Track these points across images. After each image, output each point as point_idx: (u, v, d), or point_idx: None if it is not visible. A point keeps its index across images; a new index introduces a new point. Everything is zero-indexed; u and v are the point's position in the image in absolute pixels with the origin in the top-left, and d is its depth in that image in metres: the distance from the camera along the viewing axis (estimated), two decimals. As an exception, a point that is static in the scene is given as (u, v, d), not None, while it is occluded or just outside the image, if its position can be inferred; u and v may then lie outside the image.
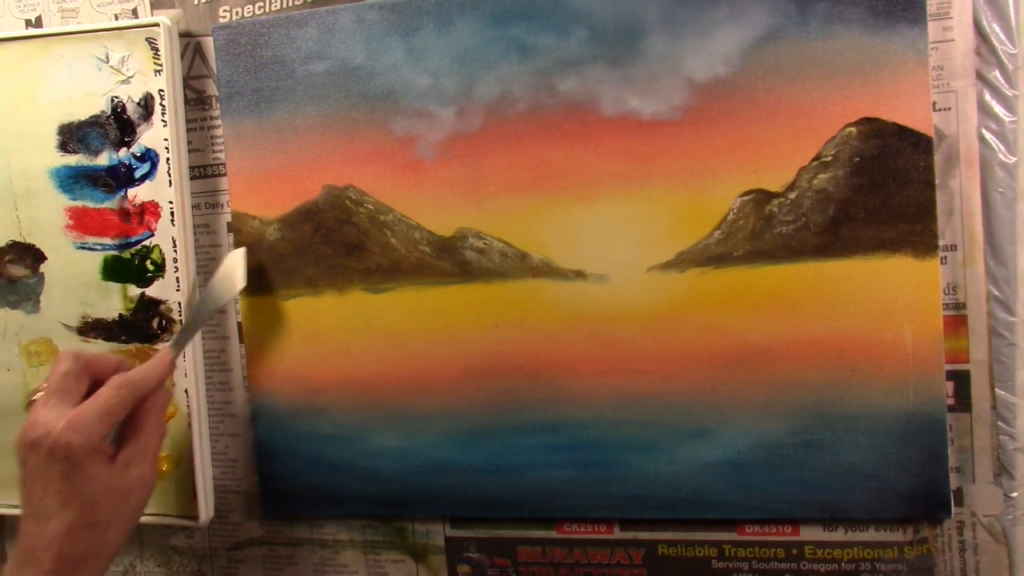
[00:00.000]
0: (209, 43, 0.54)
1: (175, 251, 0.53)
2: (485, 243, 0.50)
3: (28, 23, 0.57)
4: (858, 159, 0.45)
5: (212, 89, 0.54)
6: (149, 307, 0.54)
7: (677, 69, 0.46)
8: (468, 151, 0.49)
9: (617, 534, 0.52)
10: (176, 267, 0.53)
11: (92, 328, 0.55)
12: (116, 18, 0.55)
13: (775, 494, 0.48)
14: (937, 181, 0.45)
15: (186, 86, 0.55)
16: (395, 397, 0.52)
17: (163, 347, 0.50)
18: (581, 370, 0.49)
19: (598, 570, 0.52)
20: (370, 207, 0.51)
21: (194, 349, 0.54)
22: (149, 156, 0.53)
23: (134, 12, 0.55)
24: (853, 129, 0.45)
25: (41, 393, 0.44)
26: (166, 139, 0.52)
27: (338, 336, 0.52)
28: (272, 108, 0.52)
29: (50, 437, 0.41)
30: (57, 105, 0.54)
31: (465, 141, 0.50)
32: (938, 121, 0.45)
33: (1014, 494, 0.46)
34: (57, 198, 0.54)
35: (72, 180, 0.54)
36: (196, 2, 0.54)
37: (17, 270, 0.56)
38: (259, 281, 0.54)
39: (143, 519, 0.55)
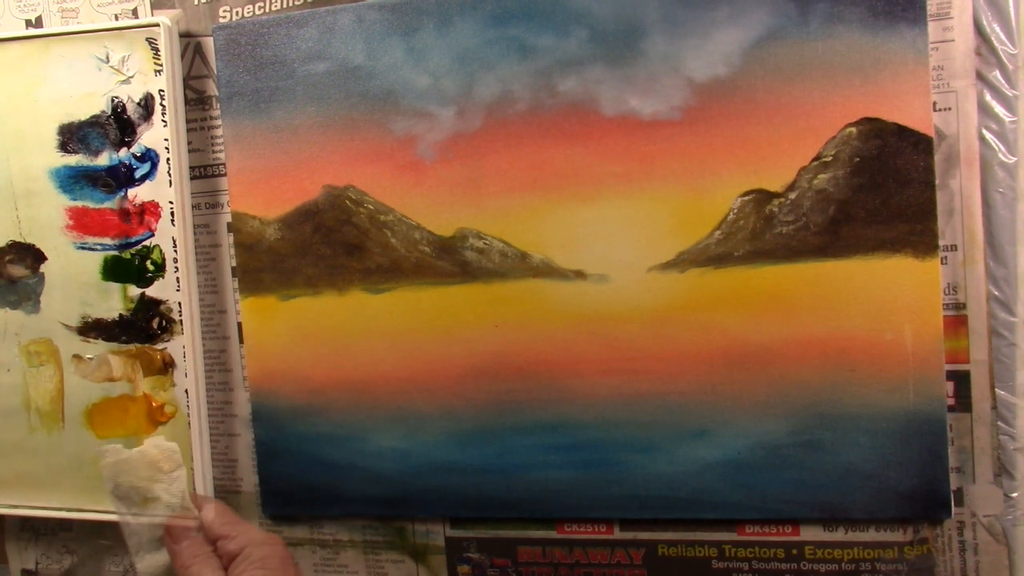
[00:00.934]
0: (209, 43, 0.54)
1: (175, 251, 0.53)
2: (485, 243, 0.50)
3: (28, 23, 0.57)
4: (858, 159, 0.45)
5: (212, 89, 0.54)
6: (149, 307, 0.54)
7: (677, 69, 0.46)
8: (468, 151, 0.49)
9: (617, 534, 0.52)
10: (176, 267, 0.53)
11: (92, 328, 0.55)
12: (116, 18, 0.55)
13: (775, 494, 0.48)
14: (937, 181, 0.45)
15: (186, 86, 0.55)
16: (395, 397, 0.52)
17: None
18: (581, 370, 0.49)
19: (598, 570, 0.52)
20: (370, 207, 0.51)
21: (194, 349, 0.54)
22: (149, 156, 0.53)
23: (134, 12, 0.55)
24: (853, 129, 0.45)
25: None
26: (166, 139, 0.52)
27: (338, 336, 0.52)
28: (272, 108, 0.52)
29: None
30: (57, 105, 0.54)
31: (465, 141, 0.50)
32: (938, 121, 0.45)
33: (1014, 494, 0.46)
34: (57, 198, 0.54)
35: (72, 180, 0.54)
36: (196, 2, 0.54)
37: (17, 270, 0.56)
38: (259, 281, 0.54)
39: (143, 519, 0.55)
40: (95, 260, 0.54)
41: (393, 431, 0.52)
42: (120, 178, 0.54)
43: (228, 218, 0.55)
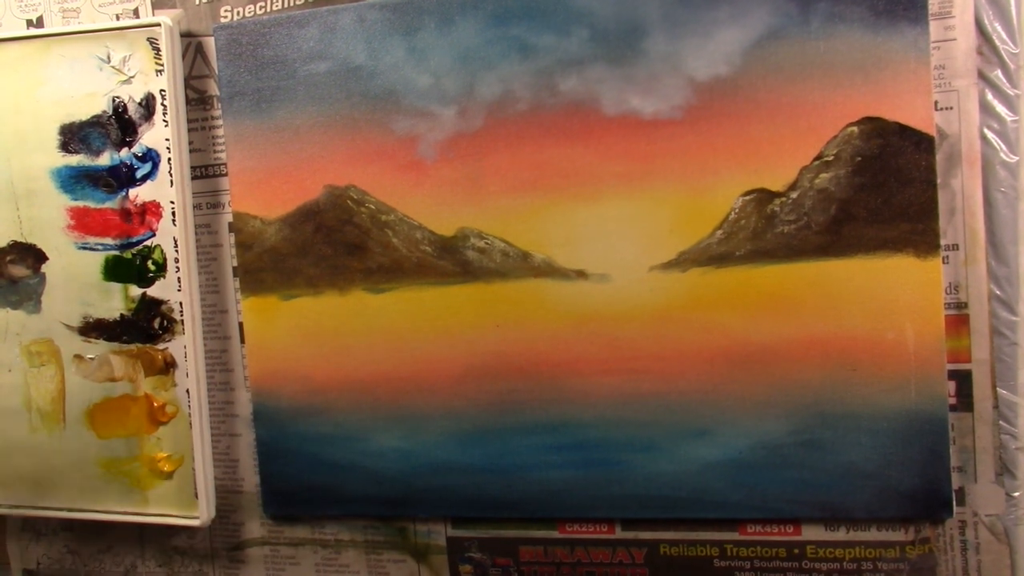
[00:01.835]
0: (210, 43, 0.54)
1: (176, 251, 0.53)
2: (486, 243, 0.50)
3: (29, 23, 0.57)
4: (860, 158, 0.45)
5: (213, 89, 0.54)
6: (150, 307, 0.54)
7: (678, 68, 0.46)
8: (469, 151, 0.49)
9: (619, 534, 0.52)
10: (177, 267, 0.53)
11: (93, 328, 0.55)
12: (117, 18, 0.55)
13: (777, 494, 0.48)
14: (939, 180, 0.45)
15: (187, 86, 0.55)
16: (396, 397, 0.52)
17: None
18: (582, 370, 0.49)
19: (600, 569, 0.52)
20: (371, 207, 0.51)
21: (196, 349, 0.54)
22: (150, 156, 0.53)
23: (135, 12, 0.55)
24: (855, 128, 0.45)
25: None
26: (167, 139, 0.52)
27: (339, 336, 0.52)
28: (273, 108, 0.52)
29: None
30: (58, 105, 0.54)
31: (466, 141, 0.49)
32: (940, 120, 0.45)
33: (1016, 494, 0.46)
34: (58, 198, 0.54)
35: (73, 180, 0.54)
36: (197, 2, 0.54)
37: (18, 270, 0.56)
38: (260, 281, 0.54)
39: (145, 519, 0.55)
40: (96, 260, 0.54)
41: (394, 431, 0.52)
42: (121, 178, 0.54)
43: (229, 218, 0.55)
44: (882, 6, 0.44)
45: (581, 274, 0.49)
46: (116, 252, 0.54)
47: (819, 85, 0.45)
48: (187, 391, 0.54)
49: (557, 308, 0.49)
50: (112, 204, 0.54)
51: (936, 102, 0.45)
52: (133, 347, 0.55)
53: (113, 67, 0.53)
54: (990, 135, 0.45)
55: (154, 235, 0.53)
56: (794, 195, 0.46)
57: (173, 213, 0.53)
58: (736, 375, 0.47)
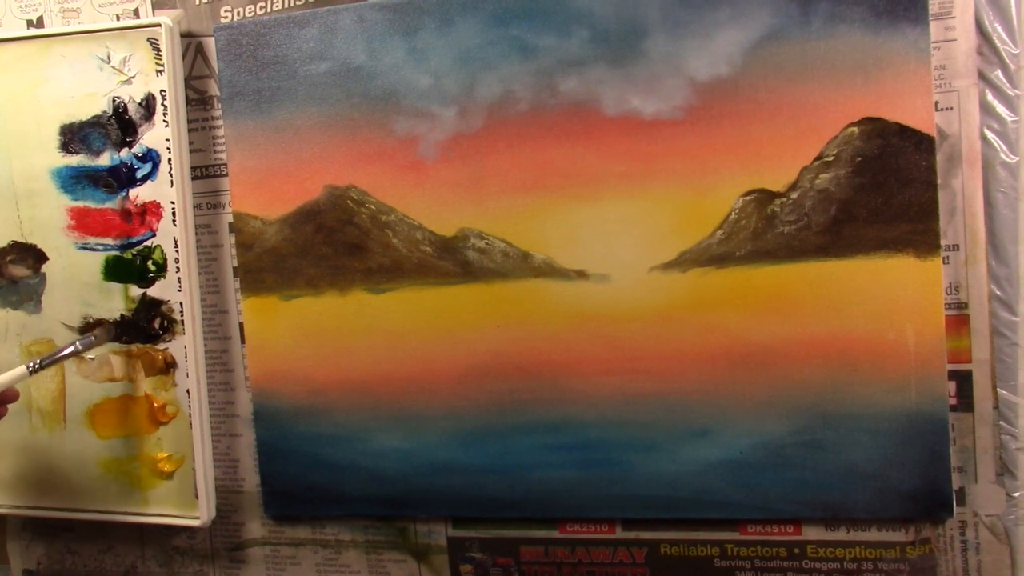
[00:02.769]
0: (211, 43, 0.54)
1: (177, 251, 0.53)
2: (487, 243, 0.50)
3: (29, 23, 0.57)
4: (860, 159, 0.45)
5: (214, 89, 0.54)
6: (151, 307, 0.54)
7: (679, 69, 0.46)
8: (470, 151, 0.49)
9: (619, 534, 0.52)
10: (178, 267, 0.53)
11: (94, 328, 0.55)
12: (117, 18, 0.55)
13: (777, 494, 0.48)
14: (939, 181, 0.45)
15: (188, 86, 0.55)
16: (397, 397, 0.52)
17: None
18: (583, 370, 0.49)
19: (601, 569, 0.52)
20: (372, 207, 0.51)
21: (196, 349, 0.54)
22: (151, 156, 0.53)
23: (135, 12, 0.55)
24: (855, 129, 0.45)
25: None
26: (168, 139, 0.52)
27: (340, 336, 0.52)
28: (273, 108, 0.52)
29: None
30: (59, 105, 0.54)
31: (467, 141, 0.49)
32: (940, 121, 0.45)
33: (1016, 494, 0.46)
34: (59, 198, 0.54)
35: (74, 180, 0.54)
36: (198, 2, 0.54)
37: (19, 270, 0.56)
38: (261, 281, 0.54)
39: (145, 519, 0.55)
40: (96, 260, 0.54)
41: (395, 431, 0.52)
42: (121, 178, 0.54)
43: (229, 218, 0.55)
44: (883, 7, 0.44)
45: (581, 274, 0.49)
46: (116, 252, 0.54)
47: (820, 85, 0.45)
48: (187, 391, 0.54)
49: (558, 308, 0.49)
50: (112, 204, 0.54)
51: (936, 102, 0.45)
52: (133, 347, 0.55)
53: (113, 67, 0.53)
54: (990, 135, 0.45)
55: (154, 235, 0.53)
56: (794, 195, 0.46)
57: (173, 213, 0.53)
58: (737, 375, 0.47)
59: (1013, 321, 0.45)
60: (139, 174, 0.53)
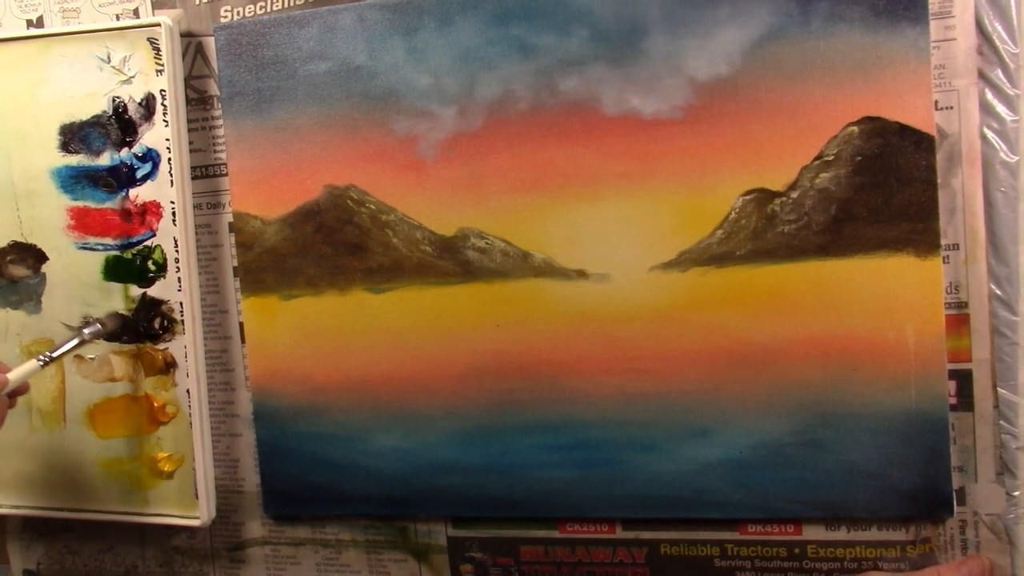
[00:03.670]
0: (210, 43, 0.54)
1: (177, 251, 0.53)
2: (487, 243, 0.50)
3: (29, 23, 0.57)
4: (860, 158, 0.45)
5: (213, 89, 0.54)
6: (151, 307, 0.54)
7: (679, 68, 0.46)
8: (470, 151, 0.49)
9: (619, 533, 0.52)
10: (178, 267, 0.53)
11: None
12: (117, 18, 0.55)
13: (777, 493, 0.48)
14: (939, 180, 0.45)
15: (187, 86, 0.55)
16: (397, 397, 0.52)
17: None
18: (583, 369, 0.49)
19: (600, 569, 0.52)
20: (372, 207, 0.51)
21: (196, 349, 0.54)
22: (151, 156, 0.53)
23: (135, 12, 0.55)
24: (855, 128, 0.45)
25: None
26: (167, 139, 0.52)
27: (340, 336, 0.52)
28: (273, 108, 0.52)
29: None
30: (58, 105, 0.54)
31: (467, 141, 0.49)
32: (940, 120, 0.45)
33: (1016, 493, 0.46)
34: (59, 198, 0.54)
35: (74, 180, 0.54)
36: (197, 2, 0.54)
37: (19, 270, 0.56)
38: (261, 281, 0.54)
39: (145, 519, 0.55)
40: (96, 260, 0.54)
41: (395, 431, 0.52)
42: (121, 178, 0.54)
43: (229, 218, 0.55)
44: (882, 6, 0.44)
45: (581, 274, 0.49)
46: (116, 252, 0.54)
47: (819, 85, 0.45)
48: (187, 391, 0.54)
49: (557, 308, 0.49)
50: (112, 204, 0.54)
51: (936, 102, 0.45)
52: (133, 347, 0.55)
53: (113, 67, 0.53)
54: (990, 135, 0.45)
55: (154, 235, 0.53)
56: (794, 195, 0.46)
57: (173, 213, 0.53)
58: (737, 375, 0.47)
59: (1013, 320, 0.45)
60: (139, 174, 0.53)
